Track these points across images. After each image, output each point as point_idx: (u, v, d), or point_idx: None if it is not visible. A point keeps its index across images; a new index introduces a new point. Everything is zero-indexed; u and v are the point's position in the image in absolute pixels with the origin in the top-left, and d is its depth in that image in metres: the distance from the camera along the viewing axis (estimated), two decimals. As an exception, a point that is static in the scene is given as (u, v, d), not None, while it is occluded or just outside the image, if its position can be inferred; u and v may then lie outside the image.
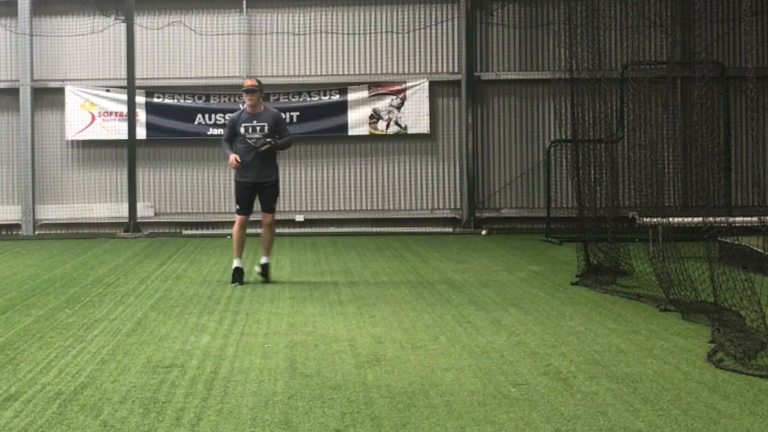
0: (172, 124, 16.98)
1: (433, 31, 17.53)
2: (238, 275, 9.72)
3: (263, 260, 9.94)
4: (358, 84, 17.12)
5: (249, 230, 10.13)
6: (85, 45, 17.22)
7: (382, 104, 17.09)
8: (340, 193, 17.48)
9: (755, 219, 7.95)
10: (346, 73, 17.43)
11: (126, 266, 11.68)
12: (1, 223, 17.26)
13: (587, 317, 7.59)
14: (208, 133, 16.89)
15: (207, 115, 17.00)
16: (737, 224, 10.48)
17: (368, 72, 17.42)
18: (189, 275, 10.57)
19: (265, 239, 9.90)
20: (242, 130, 9.69)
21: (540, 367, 5.77)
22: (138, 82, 16.84)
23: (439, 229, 17.06)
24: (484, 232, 16.55)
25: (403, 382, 5.41)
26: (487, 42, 17.52)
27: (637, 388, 5.24)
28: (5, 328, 7.29)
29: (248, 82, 9.87)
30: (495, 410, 4.82)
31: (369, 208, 17.47)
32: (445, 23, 17.51)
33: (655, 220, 10.03)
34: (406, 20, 17.45)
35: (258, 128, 9.68)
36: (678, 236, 8.88)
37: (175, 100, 17.06)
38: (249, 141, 9.67)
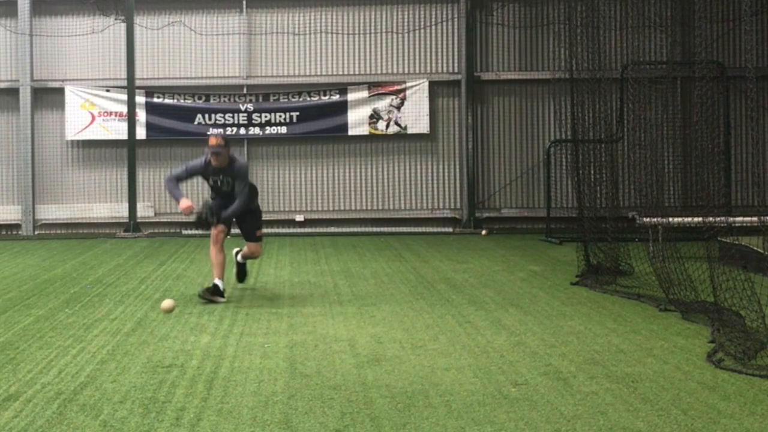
0: (172, 124, 16.99)
1: (433, 31, 17.53)
2: (241, 273, 9.47)
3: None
4: (358, 84, 17.12)
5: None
6: (85, 45, 17.25)
7: (382, 104, 17.09)
8: (340, 193, 17.49)
9: (755, 219, 7.95)
10: (346, 73, 17.44)
11: (126, 266, 11.68)
12: (1, 223, 17.27)
13: (587, 317, 7.59)
14: (208, 133, 16.84)
15: (207, 115, 17.03)
16: (737, 224, 10.48)
17: (368, 72, 17.43)
18: (189, 275, 10.56)
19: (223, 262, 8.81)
20: (211, 181, 8.95)
21: (540, 367, 5.77)
22: (138, 82, 16.85)
23: (439, 229, 17.07)
24: (484, 232, 16.54)
25: (403, 382, 5.41)
26: (487, 42, 17.53)
27: (637, 388, 5.24)
28: (5, 328, 7.28)
29: (213, 141, 8.69)
30: (495, 410, 4.81)
31: (369, 208, 17.48)
32: (445, 23, 17.52)
33: (655, 220, 10.03)
34: (406, 20, 17.46)
35: (226, 181, 8.87)
36: (678, 236, 8.88)
37: (175, 100, 17.07)
38: (219, 189, 8.91)
